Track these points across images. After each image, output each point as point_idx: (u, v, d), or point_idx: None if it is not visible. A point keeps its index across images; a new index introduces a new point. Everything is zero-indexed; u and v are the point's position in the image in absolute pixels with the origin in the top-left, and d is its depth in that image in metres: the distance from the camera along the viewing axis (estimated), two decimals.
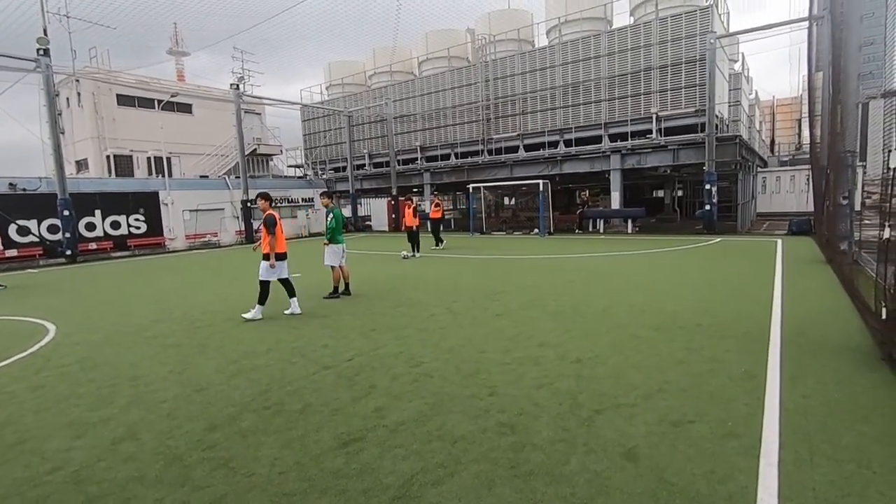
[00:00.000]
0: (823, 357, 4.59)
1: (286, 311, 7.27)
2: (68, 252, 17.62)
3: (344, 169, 29.77)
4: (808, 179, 24.53)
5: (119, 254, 19.86)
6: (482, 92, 23.68)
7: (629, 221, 20.47)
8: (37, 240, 17.56)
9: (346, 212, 28.41)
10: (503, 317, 6.62)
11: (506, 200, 32.91)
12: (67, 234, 17.63)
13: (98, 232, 19.55)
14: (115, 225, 20.07)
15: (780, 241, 14.87)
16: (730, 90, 22.04)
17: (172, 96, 27.23)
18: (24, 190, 17.79)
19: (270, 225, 6.95)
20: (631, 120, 19.71)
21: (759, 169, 27.77)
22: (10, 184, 17.55)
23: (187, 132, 29.43)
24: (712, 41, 17.27)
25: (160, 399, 4.19)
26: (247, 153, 26.22)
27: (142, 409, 4.00)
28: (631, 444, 3.09)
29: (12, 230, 17.03)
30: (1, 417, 3.96)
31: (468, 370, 4.57)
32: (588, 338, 5.47)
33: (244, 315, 7.07)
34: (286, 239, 7.47)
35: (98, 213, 19.54)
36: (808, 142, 22.15)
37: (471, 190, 23.59)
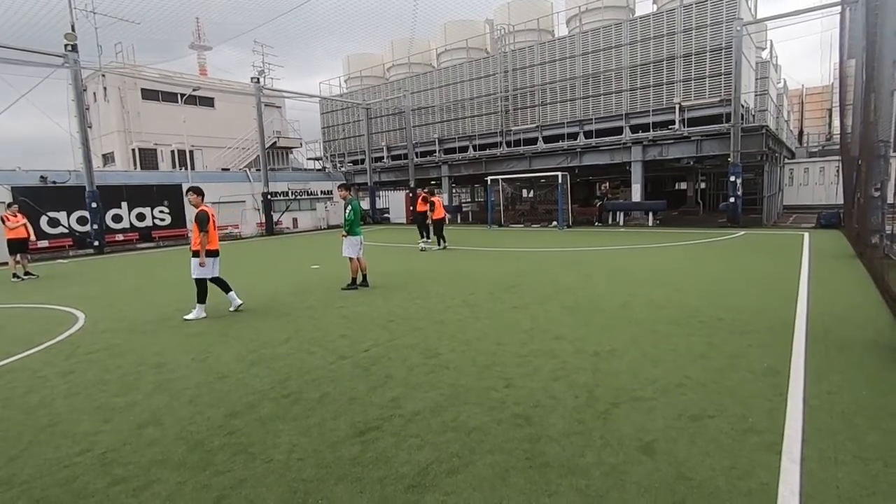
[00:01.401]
0: (851, 353, 4.46)
1: (231, 309, 7.13)
2: (96, 243, 18.13)
3: (362, 161, 29.90)
4: (837, 171, 23.76)
5: (144, 245, 20.36)
6: (500, 83, 23.47)
7: (650, 214, 20.14)
8: (66, 231, 18.10)
9: (365, 204, 28.58)
10: (520, 310, 6.59)
11: (524, 193, 32.64)
12: (95, 226, 18.14)
13: (124, 223, 20.07)
14: (141, 217, 20.57)
15: (807, 235, 14.45)
16: (756, 79, 21.40)
17: (195, 90, 27.67)
18: (55, 183, 18.34)
19: (203, 222, 6.69)
20: (653, 110, 19.32)
21: (786, 160, 26.97)
22: (42, 177, 18.11)
23: (209, 125, 29.91)
24: (739, 28, 16.77)
25: (183, 386, 4.30)
26: (267, 146, 26.52)
27: (165, 395, 4.11)
28: (648, 438, 3.06)
29: (43, 222, 17.57)
30: (34, 400, 4.12)
31: (484, 362, 4.57)
32: (606, 332, 5.41)
33: (186, 317, 6.82)
34: (218, 237, 7.26)
35: (124, 205, 20.04)
36: (839, 132, 21.38)
37: (489, 182, 23.48)
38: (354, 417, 3.53)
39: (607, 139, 20.57)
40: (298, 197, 26.61)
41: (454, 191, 30.91)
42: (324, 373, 4.47)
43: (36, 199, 17.39)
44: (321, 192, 28.18)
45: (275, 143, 31.67)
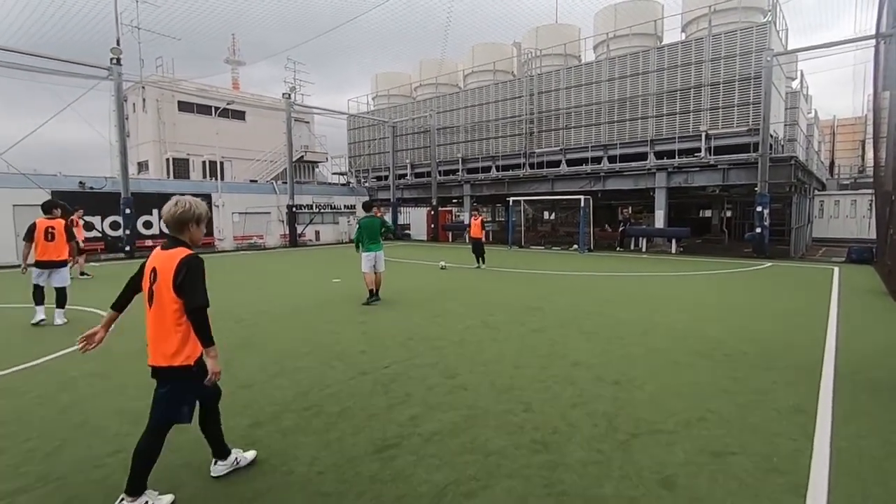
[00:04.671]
0: (881, 396, 4.34)
1: (32, 321, 7.20)
2: (127, 248, 18.73)
3: (386, 178, 30.36)
4: (870, 204, 23.16)
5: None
6: (526, 106, 23.71)
7: (673, 241, 19.90)
8: (100, 235, 18.75)
9: (387, 219, 28.90)
10: (539, 333, 6.58)
11: (545, 215, 32.62)
12: (127, 231, 18.76)
13: (154, 230, 20.70)
14: None
15: (836, 269, 14.08)
16: (786, 109, 21.19)
17: (228, 104, 28.63)
18: (92, 188, 19.08)
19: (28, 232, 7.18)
20: (679, 137, 19.25)
21: (816, 192, 26.45)
22: (81, 182, 18.87)
23: (240, 138, 30.85)
24: (769, 59, 16.70)
25: None
26: (294, 160, 27.18)
27: None
28: (668, 472, 3.03)
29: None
30: (65, 399, 4.28)
31: (503, 385, 4.58)
32: (626, 360, 5.37)
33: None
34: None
35: (155, 212, 20.68)
36: (872, 164, 20.93)
37: (510, 203, 23.57)
38: (374, 434, 3.58)
39: (632, 164, 20.53)
40: (322, 210, 27.09)
41: (479, 210, 31.06)
42: (344, 387, 4.54)
43: (74, 203, 18.08)
44: (344, 206, 28.64)
45: (302, 156, 32.44)
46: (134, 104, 30.41)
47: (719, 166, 18.45)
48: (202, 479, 2.99)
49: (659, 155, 19.96)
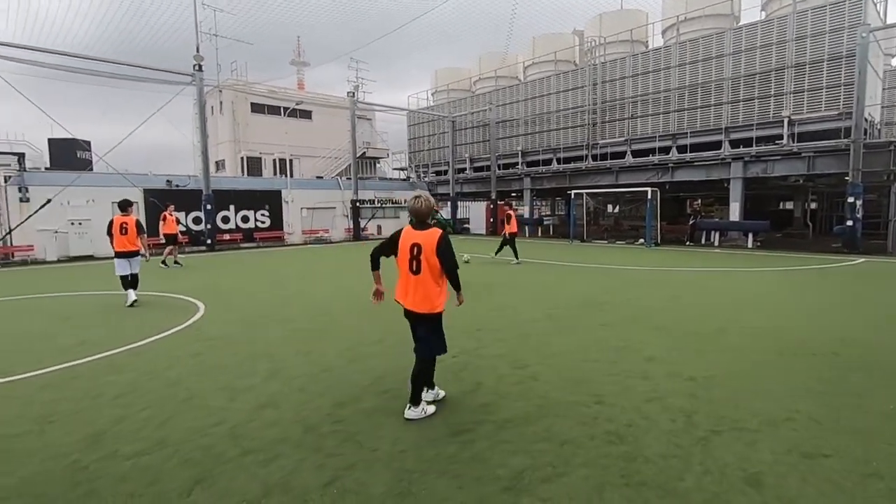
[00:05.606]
0: None
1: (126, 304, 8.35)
2: (208, 241, 20.19)
3: (445, 172, 30.64)
4: None
5: (247, 245, 22.33)
6: (589, 96, 23.07)
7: (749, 235, 18.69)
8: (184, 229, 20.32)
9: (446, 214, 29.23)
10: (606, 328, 6.48)
11: (609, 208, 31.63)
12: (208, 226, 20.22)
13: (231, 224, 22.17)
14: (245, 219, 22.61)
15: None
16: (884, 89, 19.25)
17: (297, 104, 29.96)
18: (177, 186, 20.71)
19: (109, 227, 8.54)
20: (757, 124, 18.02)
21: None
22: (168, 181, 20.55)
23: (307, 136, 32.22)
24: (864, 35, 15.22)
25: (293, 375, 4.75)
26: (357, 156, 28.03)
27: (279, 382, 4.57)
28: (754, 470, 2.94)
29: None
30: (173, 376, 4.76)
31: (573, 377, 4.59)
32: (700, 357, 5.19)
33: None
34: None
35: (232, 207, 22.15)
36: None
37: (572, 196, 23.07)
38: (449, 418, 3.72)
39: (704, 154, 19.48)
40: (384, 205, 27.82)
41: (535, 204, 30.68)
42: None
43: (162, 199, 19.72)
44: (404, 200, 29.20)
45: (364, 153, 33.38)
46: (212, 107, 32.50)
47: (803, 154, 17.09)
48: (301, 451, 3.24)
49: (734, 143, 18.78)
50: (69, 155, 26.59)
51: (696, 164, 19.91)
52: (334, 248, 21.64)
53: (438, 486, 2.81)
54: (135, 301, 8.40)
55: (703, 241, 20.47)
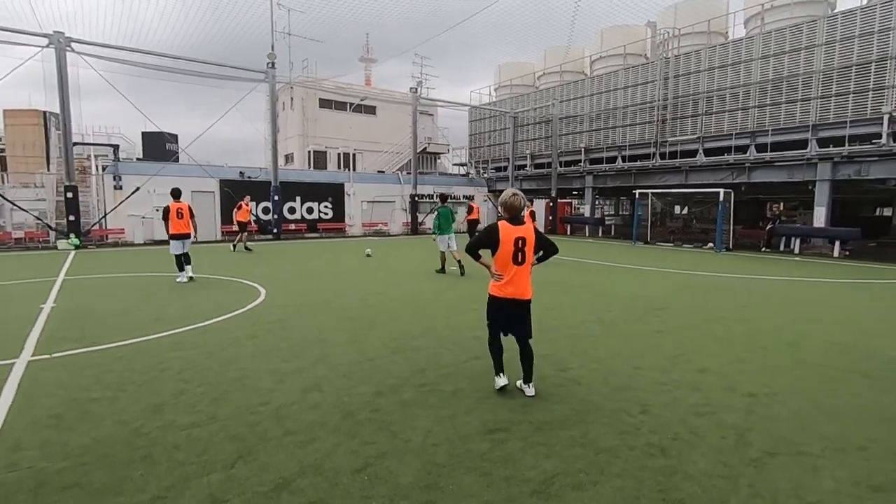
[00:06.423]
0: None
1: (182, 280, 9.50)
2: (275, 231, 21.28)
3: (505, 168, 30.36)
4: None
5: (310, 235, 23.32)
6: (659, 91, 21.96)
7: (836, 243, 17.06)
8: (254, 219, 21.54)
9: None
10: (662, 334, 6.17)
11: (676, 209, 30.03)
12: (275, 216, 21.30)
13: (297, 215, 23.24)
14: (310, 210, 23.62)
15: None
16: None
17: (361, 100, 30.80)
18: (249, 177, 21.97)
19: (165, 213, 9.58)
20: (850, 122, 16.37)
21: None
22: (241, 172, 21.85)
23: (370, 131, 33.07)
24: None
25: (339, 361, 4.91)
26: (418, 151, 28.41)
27: (325, 367, 4.74)
28: (811, 499, 2.69)
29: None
30: (229, 355, 5.07)
31: (618, 384, 4.41)
32: (766, 371, 4.81)
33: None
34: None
35: (298, 199, 23.20)
36: None
37: (637, 196, 22.11)
38: (485, 416, 3.70)
39: (786, 154, 17.99)
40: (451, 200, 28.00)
41: (597, 203, 29.71)
42: (457, 369, 4.73)
43: (235, 190, 21.03)
44: (463, 196, 29.28)
45: (425, 148, 33.76)
46: (284, 102, 34.15)
47: None
48: (337, 436, 3.35)
49: (822, 142, 17.20)
50: (159, 147, 28.91)
51: (776, 164, 18.44)
52: (392, 240, 22.10)
53: (466, 482, 2.81)
54: (191, 277, 9.43)
55: (781, 248, 18.94)
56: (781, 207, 24.66)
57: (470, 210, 18.57)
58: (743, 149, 19.28)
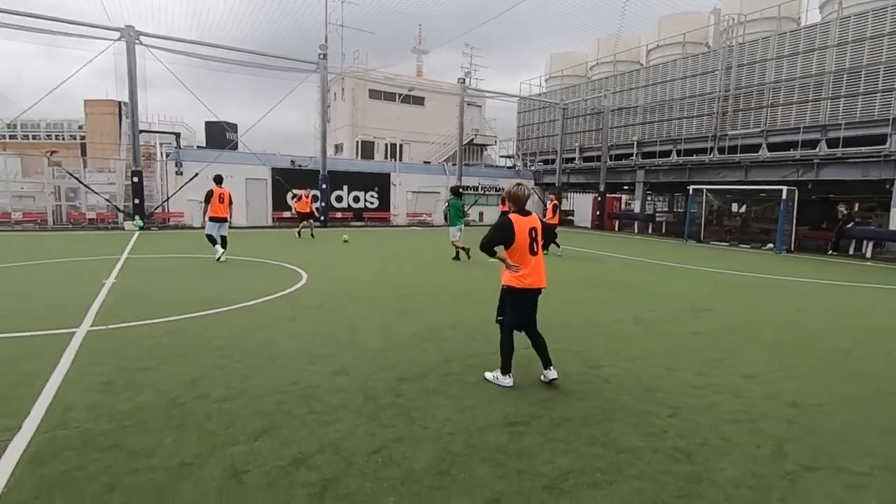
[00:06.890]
0: None
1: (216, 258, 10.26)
2: (322, 218, 21.89)
3: (553, 161, 29.76)
4: None
5: (356, 223, 23.83)
6: (720, 81, 20.78)
7: None
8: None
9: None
10: (702, 336, 5.89)
11: (734, 207, 28.44)
12: (323, 203, 21.91)
13: (343, 204, 23.80)
14: (356, 199, 24.13)
15: None
16: None
17: (410, 90, 31.00)
18: (300, 166, 22.68)
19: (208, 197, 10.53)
20: None
21: None
22: (292, 161, 22.59)
23: (418, 122, 33.24)
24: None
25: (368, 347, 5.01)
26: (465, 142, 28.33)
27: (354, 352, 4.86)
28: None
29: (289, 197, 21.93)
30: (264, 336, 5.29)
31: (649, 384, 4.26)
32: (814, 381, 4.50)
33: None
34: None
35: (345, 188, 23.74)
36: None
37: (691, 192, 21.11)
38: (506, 408, 3.67)
39: (862, 149, 16.60)
40: (486, 192, 27.87)
41: (648, 198, 28.60)
42: (483, 360, 4.71)
43: (286, 178, 21.79)
44: (496, 189, 29.02)
45: (472, 139, 33.60)
46: (334, 93, 34.90)
47: None
48: (357, 418, 3.44)
49: None
50: (220, 136, 30.37)
51: (850, 160, 17.07)
52: (434, 231, 22.23)
53: (479, 472, 2.81)
54: (224, 253, 10.27)
55: (850, 252, 17.57)
56: (856, 208, 22.81)
57: (555, 210, 15.17)
58: (811, 144, 17.96)
